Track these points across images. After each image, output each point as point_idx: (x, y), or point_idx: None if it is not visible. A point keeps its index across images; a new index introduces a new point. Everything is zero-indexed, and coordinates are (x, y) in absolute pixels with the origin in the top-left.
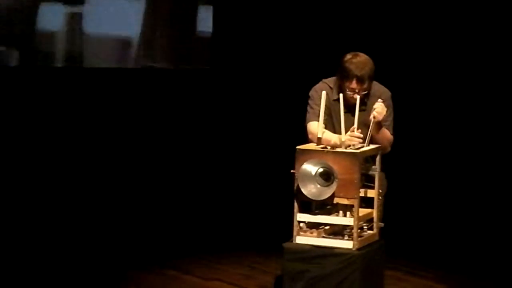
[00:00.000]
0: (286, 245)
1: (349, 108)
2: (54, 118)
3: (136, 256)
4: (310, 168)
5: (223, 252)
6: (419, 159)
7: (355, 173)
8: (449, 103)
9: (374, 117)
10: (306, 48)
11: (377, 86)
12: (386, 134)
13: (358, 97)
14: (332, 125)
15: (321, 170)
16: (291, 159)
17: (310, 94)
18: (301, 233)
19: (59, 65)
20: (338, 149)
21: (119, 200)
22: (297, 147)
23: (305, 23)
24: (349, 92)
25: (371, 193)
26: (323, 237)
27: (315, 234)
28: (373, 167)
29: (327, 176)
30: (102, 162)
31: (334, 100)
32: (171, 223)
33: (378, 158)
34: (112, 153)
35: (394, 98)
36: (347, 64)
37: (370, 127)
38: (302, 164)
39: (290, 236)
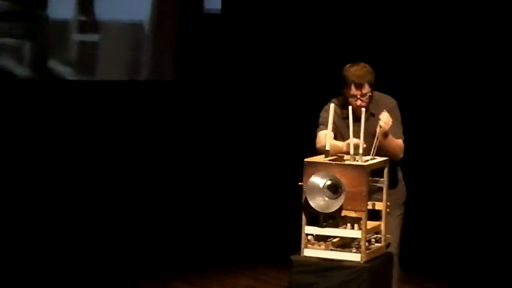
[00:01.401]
0: (294, 257)
1: (356, 119)
2: (58, 126)
3: (142, 267)
4: (318, 180)
5: (231, 264)
6: (431, 169)
7: (363, 185)
8: (459, 111)
9: (380, 127)
10: (312, 59)
11: (382, 96)
12: (395, 141)
13: (363, 109)
14: (341, 140)
15: (329, 182)
16: (299, 171)
17: (320, 114)
18: (309, 245)
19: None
20: (346, 162)
21: (127, 211)
22: (305, 159)
23: (305, 33)
24: (351, 99)
25: (379, 205)
26: (331, 249)
27: (323, 246)
28: (381, 179)
29: (335, 189)
30: (111, 173)
31: (344, 118)
32: (178, 235)
33: (386, 171)
34: (122, 166)
35: (404, 106)
36: (345, 72)
37: (376, 137)
38: (310, 176)
39: (298, 249)
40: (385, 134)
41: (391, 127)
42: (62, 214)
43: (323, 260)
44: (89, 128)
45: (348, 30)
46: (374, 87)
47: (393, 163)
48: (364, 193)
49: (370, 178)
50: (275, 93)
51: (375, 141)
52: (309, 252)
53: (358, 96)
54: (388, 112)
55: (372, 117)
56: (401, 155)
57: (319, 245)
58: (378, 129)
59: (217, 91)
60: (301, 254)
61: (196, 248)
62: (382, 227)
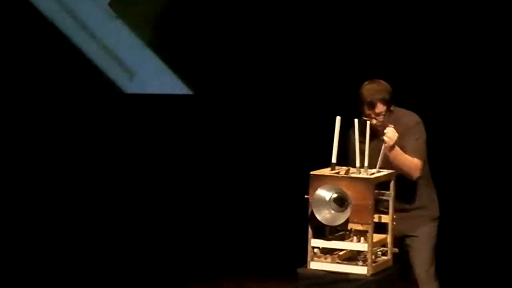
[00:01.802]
0: (300, 270)
1: (375, 134)
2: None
3: (148, 279)
4: (324, 193)
5: (237, 276)
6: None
7: (369, 198)
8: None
9: (385, 142)
10: (321, 74)
11: (405, 113)
12: (406, 159)
13: (368, 123)
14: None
15: (335, 195)
16: (305, 184)
17: None
18: (315, 258)
19: None
20: (352, 175)
21: (134, 222)
22: (311, 172)
23: (314, 49)
24: (365, 118)
25: (385, 218)
26: (337, 262)
27: (329, 259)
28: (387, 192)
29: (341, 202)
30: (123, 184)
31: (364, 134)
32: (184, 248)
33: (392, 184)
34: (133, 178)
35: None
36: (360, 91)
37: (381, 152)
38: (316, 189)
39: (304, 262)
40: (390, 149)
41: (409, 144)
42: (71, 220)
43: (330, 273)
44: (108, 140)
45: (361, 45)
46: (390, 104)
47: (419, 178)
48: (370, 206)
49: (376, 191)
50: (281, 106)
51: (380, 155)
52: (316, 265)
53: (372, 116)
54: (407, 130)
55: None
56: (416, 174)
57: (326, 258)
58: (384, 144)
59: (221, 103)
60: (307, 267)
61: (202, 261)
62: (389, 240)
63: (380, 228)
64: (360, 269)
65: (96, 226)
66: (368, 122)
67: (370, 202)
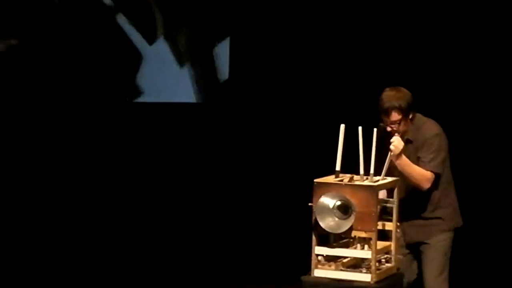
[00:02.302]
0: (304, 278)
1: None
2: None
3: (151, 285)
4: (328, 201)
5: (242, 284)
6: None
7: (373, 206)
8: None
9: (391, 151)
10: (326, 82)
11: (426, 122)
12: (414, 169)
13: (375, 130)
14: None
15: (339, 203)
16: (309, 192)
17: None
18: (319, 266)
19: None
20: (356, 182)
21: (141, 229)
22: (315, 180)
23: (317, 56)
24: (381, 124)
25: (389, 226)
26: (341, 270)
27: (333, 267)
28: (391, 199)
29: (345, 209)
30: (126, 189)
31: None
32: (192, 255)
33: (396, 191)
34: (135, 184)
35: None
36: (379, 97)
37: (387, 160)
38: (320, 197)
39: (308, 269)
40: (396, 157)
41: (423, 156)
42: (76, 223)
43: (334, 281)
44: (118, 148)
45: (366, 53)
46: (407, 113)
47: (437, 188)
48: (374, 213)
49: (381, 198)
50: (285, 114)
51: (386, 163)
52: (319, 272)
53: (388, 123)
54: (425, 141)
55: (410, 144)
56: (425, 186)
57: (329, 266)
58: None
59: (226, 110)
60: (311, 275)
61: (206, 268)
62: (392, 247)
63: (384, 235)
64: (364, 277)
65: (98, 230)
66: (375, 130)
67: (374, 210)
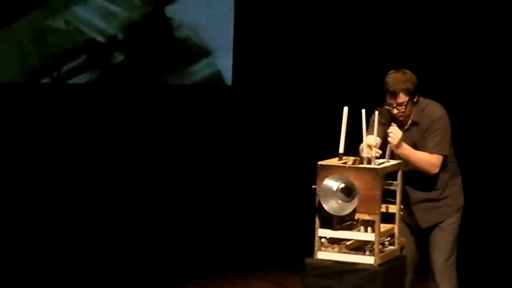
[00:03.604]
0: (308, 260)
1: (400, 123)
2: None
3: (160, 272)
4: (332, 183)
5: (245, 267)
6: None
7: (376, 188)
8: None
9: (389, 142)
10: (331, 63)
11: (430, 104)
12: (419, 157)
13: (376, 112)
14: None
15: (342, 185)
16: (312, 174)
17: None
18: (323, 248)
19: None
20: (360, 165)
21: (143, 215)
22: (319, 162)
23: (324, 41)
24: (387, 107)
25: (393, 208)
26: (345, 252)
27: (336, 249)
28: (395, 182)
29: (348, 192)
30: (128, 180)
31: (383, 124)
32: (192, 239)
33: (399, 174)
34: (137, 174)
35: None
36: (384, 79)
37: (388, 149)
38: (324, 179)
39: (311, 252)
40: (396, 147)
41: (429, 140)
42: (74, 217)
43: (337, 263)
44: (143, 129)
45: (369, 38)
46: (413, 96)
47: (446, 170)
48: (377, 196)
49: (387, 181)
50: (289, 97)
51: (387, 151)
52: (323, 255)
53: (394, 105)
54: (431, 123)
55: (415, 126)
56: (433, 170)
57: (333, 248)
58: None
59: (229, 96)
60: (315, 257)
61: (210, 252)
62: (396, 230)
63: (388, 218)
64: (367, 259)
65: (108, 220)
66: (376, 113)
67: (378, 192)
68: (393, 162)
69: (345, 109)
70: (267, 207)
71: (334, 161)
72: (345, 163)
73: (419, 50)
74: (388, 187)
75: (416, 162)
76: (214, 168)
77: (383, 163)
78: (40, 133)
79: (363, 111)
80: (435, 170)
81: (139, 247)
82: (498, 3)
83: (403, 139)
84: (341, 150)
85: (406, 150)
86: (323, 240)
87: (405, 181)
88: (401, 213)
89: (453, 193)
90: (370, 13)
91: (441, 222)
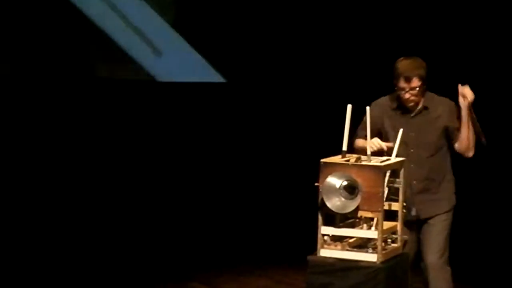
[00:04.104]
0: (310, 258)
1: (406, 110)
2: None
3: (162, 269)
4: (334, 181)
5: (248, 264)
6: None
7: (379, 186)
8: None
9: (464, 100)
10: (334, 60)
11: (435, 95)
12: (472, 134)
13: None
14: (393, 133)
15: (345, 183)
16: (315, 172)
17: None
18: (325, 246)
19: None
20: (363, 163)
21: (146, 214)
22: (322, 160)
23: (324, 36)
24: (400, 92)
25: (395, 206)
26: (347, 250)
27: (339, 247)
28: (397, 180)
29: (351, 189)
30: (129, 177)
31: (393, 109)
32: (195, 236)
33: (402, 171)
34: (139, 170)
35: None
36: (396, 65)
37: (463, 112)
38: (326, 177)
39: (314, 249)
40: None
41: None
42: (76, 216)
43: (339, 261)
44: (138, 128)
45: (372, 35)
46: (425, 81)
47: (447, 162)
48: (380, 194)
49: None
50: (293, 94)
51: (462, 116)
52: (325, 252)
53: (407, 89)
54: (450, 110)
55: (426, 110)
56: (472, 152)
57: (335, 246)
58: (461, 102)
59: (229, 93)
60: (317, 255)
61: (213, 249)
62: (399, 228)
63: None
64: (370, 257)
65: (109, 220)
66: (348, 106)
67: (380, 190)
68: (396, 159)
69: (349, 106)
70: (270, 204)
71: (337, 159)
72: (348, 160)
73: (423, 46)
74: (391, 184)
75: (471, 134)
76: (217, 165)
77: (386, 160)
78: (39, 132)
79: (368, 108)
80: (473, 152)
81: (141, 245)
82: (500, 3)
83: (408, 126)
84: (344, 147)
85: (473, 115)
86: (326, 237)
87: (408, 170)
88: (404, 210)
89: (448, 188)
90: (372, 8)
91: (434, 217)
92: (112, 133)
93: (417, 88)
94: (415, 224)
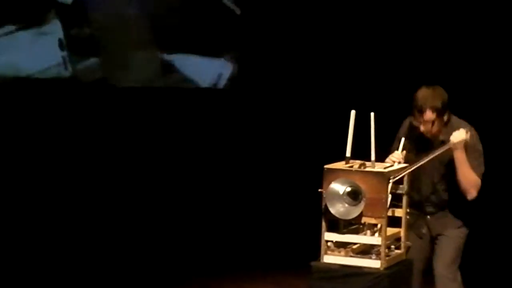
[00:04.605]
0: (314, 264)
1: (428, 141)
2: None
3: (164, 273)
4: (338, 187)
5: (251, 270)
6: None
7: (383, 192)
8: None
9: (451, 141)
10: (338, 67)
11: (461, 124)
12: (471, 173)
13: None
14: (414, 151)
15: (349, 189)
16: (319, 178)
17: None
18: (329, 252)
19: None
20: (366, 169)
21: (149, 218)
22: (325, 166)
23: (332, 44)
24: (415, 123)
25: (399, 212)
26: (351, 256)
27: (342, 253)
28: (401, 186)
29: (355, 195)
30: (133, 181)
31: (415, 134)
32: (198, 241)
33: (406, 178)
34: (142, 174)
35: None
36: (414, 94)
37: (454, 155)
38: (330, 183)
39: (317, 255)
40: (455, 149)
41: (470, 161)
42: (73, 218)
43: (343, 267)
44: (145, 133)
45: (374, 41)
46: (442, 113)
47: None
48: (384, 200)
49: (394, 185)
50: (296, 100)
51: (435, 153)
52: (329, 258)
53: (422, 122)
54: (468, 147)
55: (442, 145)
56: (474, 193)
57: (339, 252)
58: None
59: (234, 98)
60: (321, 261)
61: (216, 254)
62: (402, 234)
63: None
64: (373, 263)
65: (107, 217)
66: (372, 114)
67: (384, 196)
68: (401, 165)
69: (352, 112)
70: (274, 210)
71: (340, 165)
72: (351, 166)
73: (428, 52)
74: (394, 190)
75: (465, 175)
76: (221, 170)
77: (390, 166)
78: (38, 133)
79: (372, 114)
80: (475, 193)
81: (142, 248)
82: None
83: (426, 149)
84: (348, 153)
85: (463, 157)
86: (329, 243)
87: (421, 190)
88: (408, 217)
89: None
90: (377, 14)
91: (448, 230)
92: (115, 136)
93: (431, 121)
94: (424, 237)
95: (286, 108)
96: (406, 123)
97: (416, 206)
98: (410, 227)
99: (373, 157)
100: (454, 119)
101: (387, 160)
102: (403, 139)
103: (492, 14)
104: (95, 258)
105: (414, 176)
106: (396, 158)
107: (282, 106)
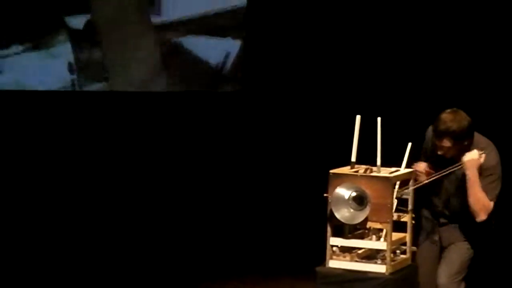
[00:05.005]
0: (319, 269)
1: (446, 160)
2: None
3: (169, 278)
4: (343, 192)
5: (256, 275)
6: None
7: (388, 197)
8: None
9: (462, 161)
10: (343, 71)
11: (488, 150)
12: (482, 195)
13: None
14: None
15: (354, 194)
16: (324, 183)
17: None
18: (334, 257)
19: None
20: (372, 174)
21: (155, 223)
22: (330, 171)
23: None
24: (433, 146)
25: (405, 217)
26: (356, 261)
27: (348, 258)
28: (406, 190)
29: (360, 200)
30: (138, 184)
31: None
32: (204, 246)
33: (411, 182)
34: (146, 178)
35: None
36: (436, 118)
37: (450, 167)
38: (335, 188)
39: (323, 260)
40: (468, 170)
41: (484, 185)
42: (75, 221)
43: (348, 272)
44: (147, 137)
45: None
46: (460, 140)
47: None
48: (389, 205)
49: (398, 190)
50: (302, 105)
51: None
52: (334, 263)
53: (437, 145)
54: (487, 169)
55: (456, 162)
56: (483, 217)
57: (344, 257)
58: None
59: (240, 101)
60: (326, 266)
61: (221, 259)
62: (407, 239)
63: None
64: (378, 268)
65: (112, 222)
66: (379, 119)
67: (389, 201)
68: (406, 170)
69: (358, 117)
70: (279, 215)
71: (346, 170)
72: (357, 171)
73: (435, 57)
74: (400, 195)
75: (475, 197)
76: (226, 175)
77: (395, 171)
78: (38, 136)
79: (379, 119)
80: (484, 216)
81: (148, 254)
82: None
83: (451, 177)
84: (353, 158)
85: (475, 177)
86: (334, 248)
87: (435, 202)
88: (413, 222)
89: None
90: (383, 19)
91: (457, 242)
92: (120, 139)
93: (448, 147)
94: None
95: (292, 113)
96: (429, 134)
97: (431, 215)
98: (426, 235)
99: (378, 162)
100: (478, 137)
101: (412, 167)
102: (409, 145)
103: (498, 18)
104: (97, 262)
105: (428, 188)
106: (420, 168)
107: (287, 110)
